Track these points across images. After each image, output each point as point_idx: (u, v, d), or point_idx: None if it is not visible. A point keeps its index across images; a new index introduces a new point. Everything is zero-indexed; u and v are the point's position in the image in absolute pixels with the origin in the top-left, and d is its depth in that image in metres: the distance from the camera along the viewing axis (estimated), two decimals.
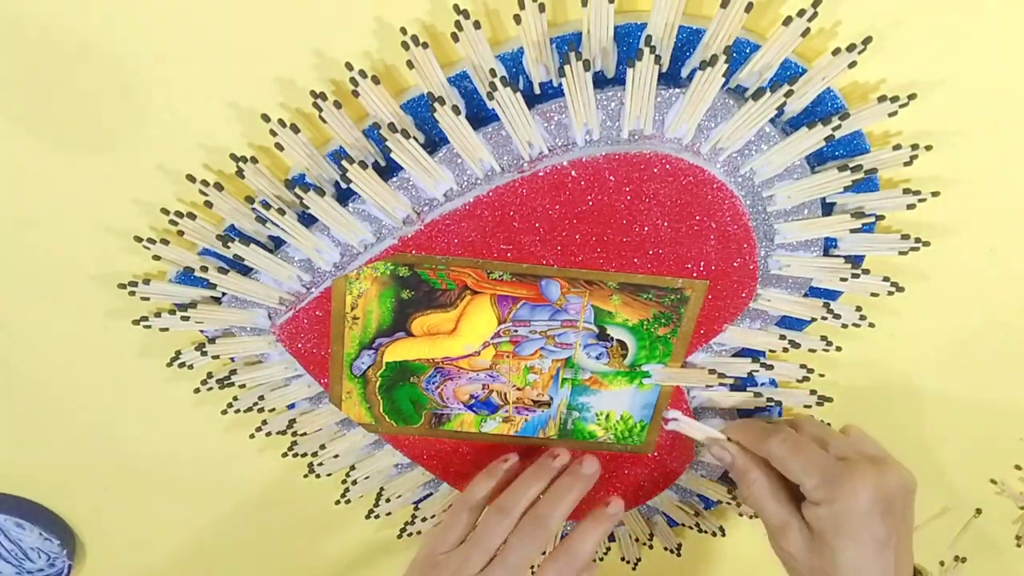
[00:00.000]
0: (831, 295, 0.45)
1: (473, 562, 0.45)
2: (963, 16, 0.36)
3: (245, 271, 0.43)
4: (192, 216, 0.41)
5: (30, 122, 0.39)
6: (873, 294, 0.44)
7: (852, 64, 0.35)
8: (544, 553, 0.46)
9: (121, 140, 0.39)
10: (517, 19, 0.34)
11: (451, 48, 0.37)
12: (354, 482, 0.54)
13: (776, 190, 0.40)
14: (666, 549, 0.60)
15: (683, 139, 0.38)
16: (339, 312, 0.44)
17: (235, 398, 0.49)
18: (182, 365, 0.47)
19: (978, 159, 0.41)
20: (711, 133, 0.38)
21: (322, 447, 0.52)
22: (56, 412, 0.52)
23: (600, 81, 0.37)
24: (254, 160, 0.39)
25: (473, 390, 0.49)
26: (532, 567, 0.46)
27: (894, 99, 0.37)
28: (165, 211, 0.40)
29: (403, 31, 0.35)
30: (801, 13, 0.34)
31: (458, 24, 0.34)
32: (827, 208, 0.41)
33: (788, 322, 0.46)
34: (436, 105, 0.36)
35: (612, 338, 0.46)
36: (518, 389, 0.49)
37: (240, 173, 0.39)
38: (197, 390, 0.48)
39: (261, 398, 0.48)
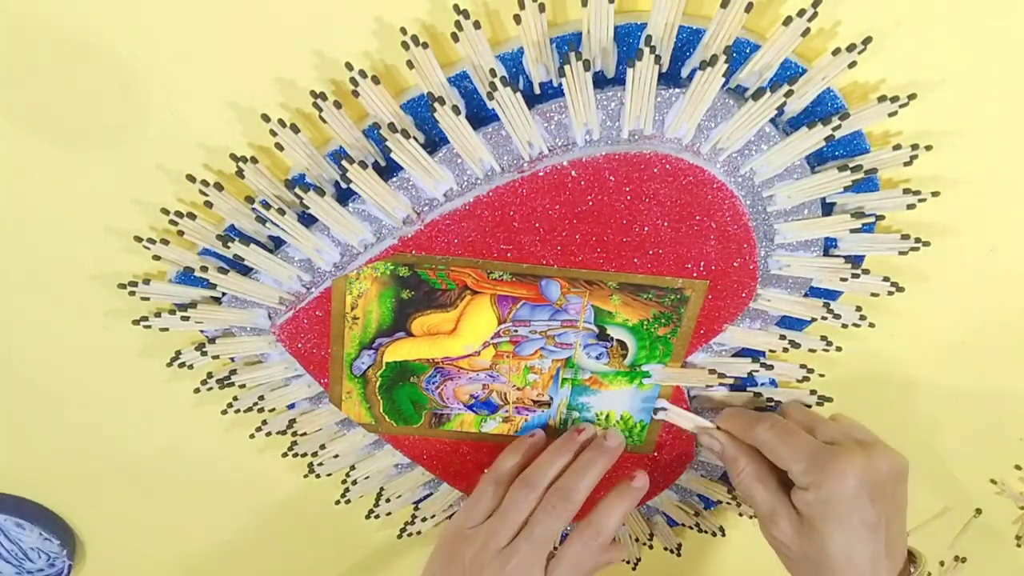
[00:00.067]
0: (831, 295, 0.45)
1: (500, 536, 0.45)
2: (963, 16, 0.36)
3: (245, 271, 0.43)
4: (192, 216, 0.41)
5: (30, 122, 0.39)
6: (873, 294, 0.44)
7: (852, 64, 0.35)
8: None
9: (121, 140, 0.39)
10: (517, 19, 0.34)
11: (451, 48, 0.37)
12: (354, 482, 0.54)
13: (776, 190, 0.40)
14: (666, 549, 0.60)
15: (683, 139, 0.38)
16: (339, 312, 0.44)
17: (235, 398, 0.49)
18: (182, 365, 0.47)
19: (978, 159, 0.41)
20: (711, 133, 0.38)
21: (322, 447, 0.52)
22: (56, 412, 0.52)
23: (600, 81, 0.37)
24: (254, 160, 0.39)
25: (473, 390, 0.49)
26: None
27: (894, 99, 0.37)
28: (165, 211, 0.40)
29: (403, 31, 0.35)
30: (801, 13, 0.34)
31: (458, 24, 0.34)
32: (827, 208, 0.41)
33: (788, 322, 0.46)
34: (436, 105, 0.36)
35: (612, 338, 0.46)
36: (518, 389, 0.49)
37: (240, 173, 0.39)
38: (197, 390, 0.48)
39: (261, 398, 0.48)
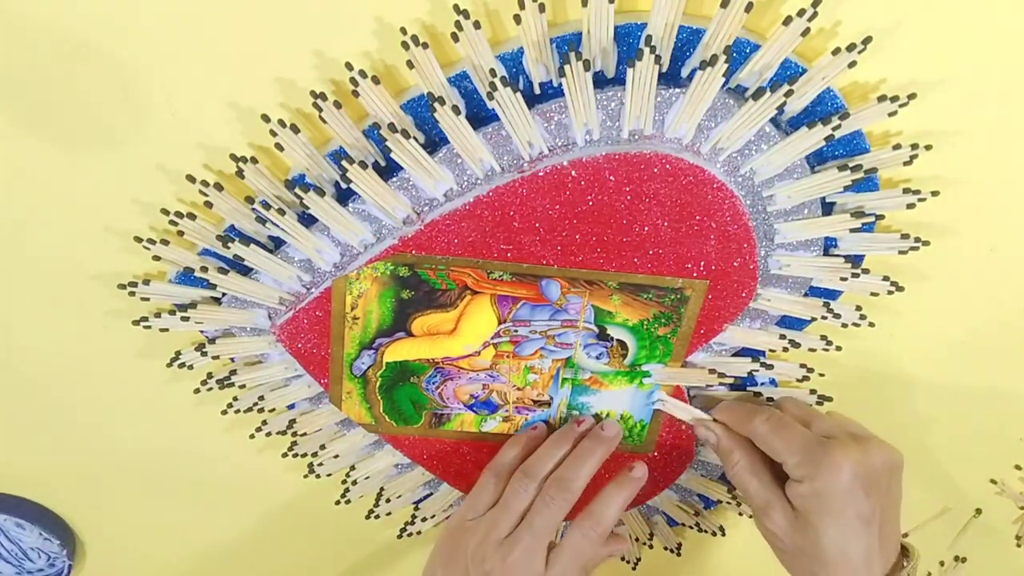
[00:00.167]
0: (831, 295, 0.45)
1: (501, 527, 0.45)
2: (963, 16, 0.36)
3: (245, 271, 0.43)
4: (192, 216, 0.41)
5: (30, 122, 0.39)
6: (873, 294, 0.44)
7: (852, 64, 0.35)
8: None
9: (121, 140, 0.39)
10: (517, 19, 0.34)
11: (451, 48, 0.37)
12: (354, 482, 0.54)
13: (776, 190, 0.40)
14: (666, 549, 0.60)
15: (683, 139, 0.38)
16: (339, 312, 0.44)
17: (235, 398, 0.49)
18: (182, 365, 0.47)
19: (978, 159, 0.41)
20: (711, 133, 0.38)
21: (322, 447, 0.52)
22: (56, 412, 0.52)
23: (600, 81, 0.37)
24: (254, 160, 0.39)
25: (473, 390, 0.49)
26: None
27: (894, 99, 0.37)
28: (165, 211, 0.40)
29: (403, 31, 0.35)
30: (801, 13, 0.34)
31: (458, 24, 0.34)
32: (827, 208, 0.41)
33: (788, 322, 0.46)
34: (436, 105, 0.36)
35: (612, 338, 0.46)
36: (518, 389, 0.49)
37: (240, 173, 0.39)
38: (197, 390, 0.48)
39: (261, 398, 0.48)
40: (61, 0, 0.35)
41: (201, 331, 0.46)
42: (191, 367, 0.47)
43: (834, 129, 0.37)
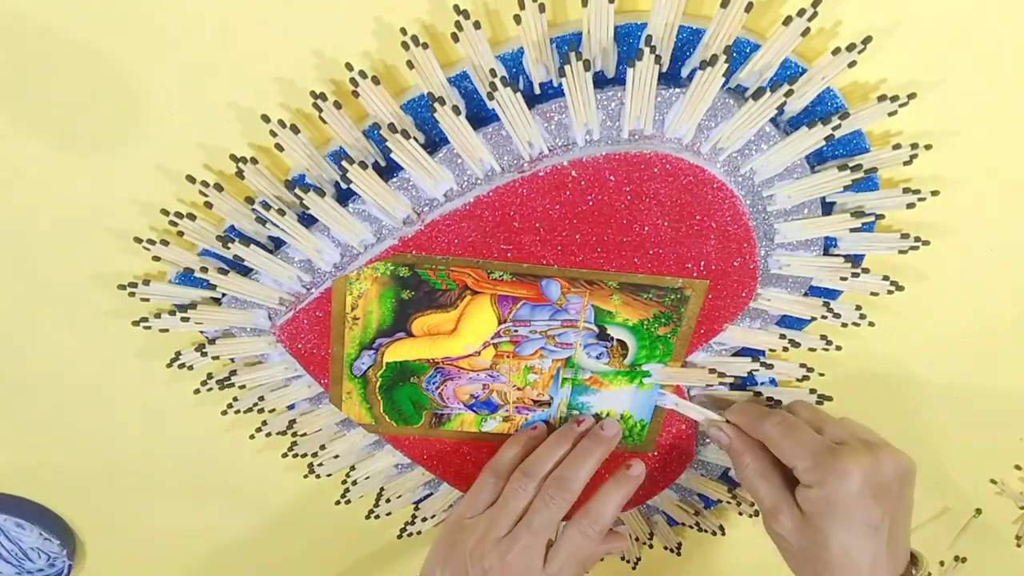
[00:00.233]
0: (831, 294, 0.45)
1: (500, 525, 0.46)
2: (963, 16, 0.36)
3: (245, 272, 0.43)
4: (192, 217, 0.41)
5: (30, 122, 0.39)
6: (873, 293, 0.44)
7: (852, 64, 0.35)
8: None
9: (121, 140, 0.39)
10: (517, 19, 0.34)
11: (451, 48, 0.37)
12: (354, 482, 0.54)
13: (776, 189, 0.40)
14: (666, 548, 0.60)
15: (683, 139, 0.38)
16: (339, 312, 0.44)
17: (235, 399, 0.49)
18: (182, 366, 0.47)
19: (978, 159, 0.41)
20: (711, 133, 0.38)
21: (322, 447, 0.52)
22: (56, 412, 0.52)
23: (600, 81, 0.37)
24: (254, 161, 0.39)
25: (473, 390, 0.49)
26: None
27: (894, 99, 0.37)
28: (165, 212, 0.40)
29: (403, 31, 0.35)
30: (801, 13, 0.34)
31: (458, 24, 0.34)
32: (827, 207, 0.41)
33: (788, 321, 0.46)
34: (436, 105, 0.36)
35: (612, 338, 0.46)
36: (518, 389, 0.49)
37: (240, 174, 0.39)
38: (197, 391, 0.48)
39: (261, 399, 0.48)
40: (61, 0, 0.35)
41: (201, 331, 0.46)
42: (191, 367, 0.47)
43: (834, 129, 0.37)
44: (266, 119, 0.37)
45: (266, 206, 0.39)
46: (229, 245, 0.40)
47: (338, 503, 0.55)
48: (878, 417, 0.47)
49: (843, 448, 0.42)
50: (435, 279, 0.43)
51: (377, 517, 0.56)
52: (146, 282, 0.43)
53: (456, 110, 0.36)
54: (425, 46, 0.35)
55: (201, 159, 0.40)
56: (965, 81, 0.38)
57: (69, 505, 0.59)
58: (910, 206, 0.40)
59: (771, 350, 0.47)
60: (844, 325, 0.45)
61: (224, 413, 0.49)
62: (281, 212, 0.39)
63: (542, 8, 0.34)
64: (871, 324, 0.46)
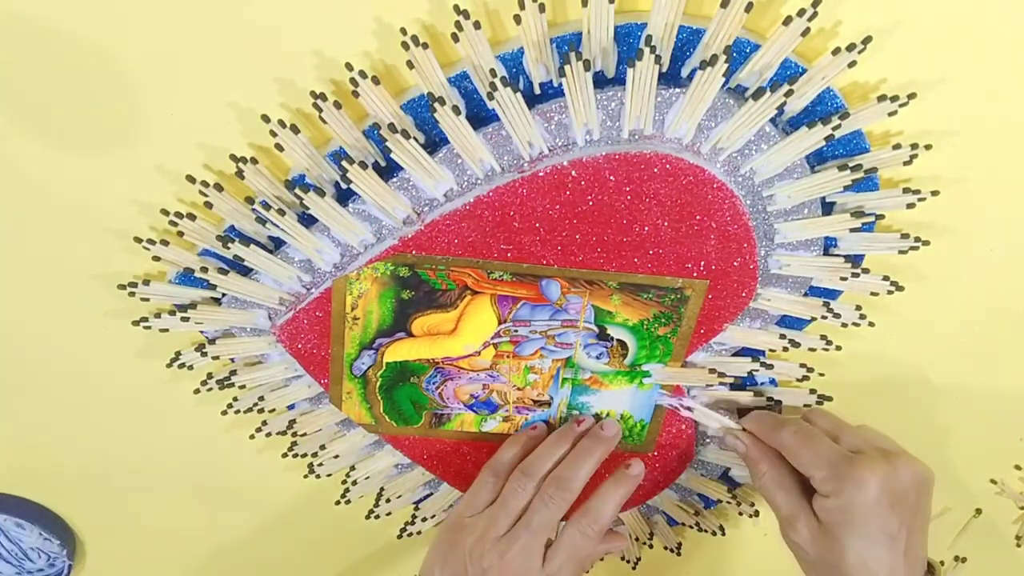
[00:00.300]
0: (831, 294, 0.45)
1: (499, 524, 0.46)
2: (963, 16, 0.36)
3: (245, 272, 0.43)
4: (192, 217, 0.41)
5: (30, 122, 0.39)
6: (873, 293, 0.44)
7: (852, 64, 0.35)
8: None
9: (121, 140, 0.39)
10: (517, 19, 0.34)
11: (451, 48, 0.37)
12: (354, 482, 0.54)
13: (776, 189, 0.40)
14: (666, 548, 0.60)
15: (683, 139, 0.38)
16: (339, 312, 0.44)
17: (235, 399, 0.49)
18: (182, 366, 0.47)
19: (978, 159, 0.41)
20: (711, 133, 0.38)
21: (322, 447, 0.52)
22: (56, 412, 0.52)
23: (600, 81, 0.37)
24: (254, 161, 0.39)
25: (473, 390, 0.49)
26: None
27: (894, 99, 0.37)
28: (165, 212, 0.40)
29: (403, 31, 0.35)
30: (801, 13, 0.34)
31: (458, 24, 0.34)
32: (827, 207, 0.41)
33: (788, 321, 0.46)
34: (436, 105, 0.36)
35: (612, 338, 0.46)
36: (518, 389, 0.49)
37: (240, 174, 0.39)
38: (197, 391, 0.48)
39: (261, 399, 0.48)
40: (61, 0, 0.35)
41: (201, 331, 0.46)
42: (191, 367, 0.47)
43: (834, 129, 0.37)
44: (266, 119, 0.37)
45: (266, 206, 0.39)
46: (229, 245, 0.40)
47: (338, 503, 0.55)
48: (878, 417, 0.47)
49: (860, 457, 0.42)
50: (435, 279, 0.43)
51: (377, 517, 0.56)
52: (146, 282, 0.43)
53: (456, 110, 0.36)
54: (425, 46, 0.35)
55: (201, 159, 0.40)
56: (965, 81, 0.38)
57: (69, 505, 0.59)
58: (910, 206, 0.40)
59: (771, 350, 0.47)
60: (844, 325, 0.45)
61: (224, 413, 0.49)
62: (281, 212, 0.39)
63: (542, 8, 0.34)
64: (871, 324, 0.46)
